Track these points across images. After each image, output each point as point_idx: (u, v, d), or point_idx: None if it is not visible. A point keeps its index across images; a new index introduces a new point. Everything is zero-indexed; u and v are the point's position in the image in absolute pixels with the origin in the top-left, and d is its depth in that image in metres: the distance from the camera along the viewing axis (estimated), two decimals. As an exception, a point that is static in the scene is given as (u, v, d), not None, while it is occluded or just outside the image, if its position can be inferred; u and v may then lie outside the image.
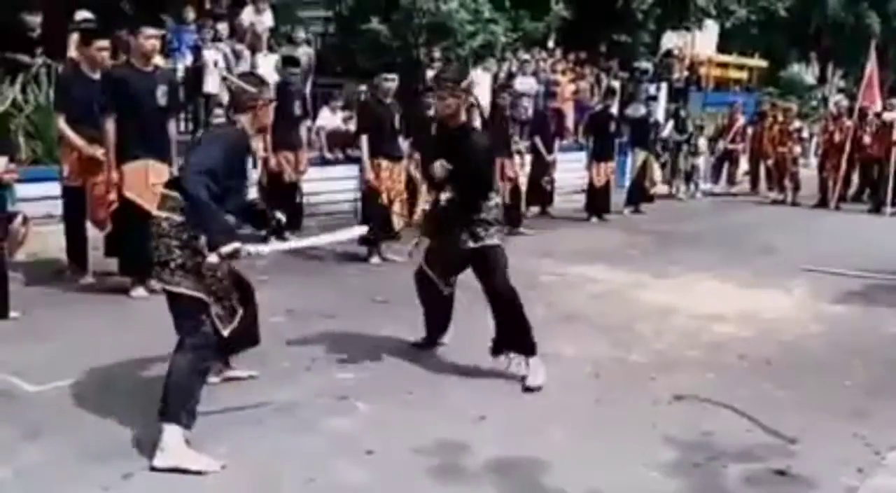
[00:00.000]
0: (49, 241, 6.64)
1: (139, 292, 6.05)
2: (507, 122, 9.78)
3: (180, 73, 10.03)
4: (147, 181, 5.81)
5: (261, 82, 3.81)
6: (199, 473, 3.38)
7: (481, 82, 13.00)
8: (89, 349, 4.83)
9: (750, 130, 15.55)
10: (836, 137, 14.12)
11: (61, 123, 6.18)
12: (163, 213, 3.63)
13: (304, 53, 11.44)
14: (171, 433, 3.47)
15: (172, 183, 3.76)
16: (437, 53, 11.91)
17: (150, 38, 5.89)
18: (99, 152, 5.99)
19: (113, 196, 6.00)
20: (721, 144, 15.30)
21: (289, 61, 8.80)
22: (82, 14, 8.77)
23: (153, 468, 3.41)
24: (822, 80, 30.30)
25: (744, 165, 15.97)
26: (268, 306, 5.65)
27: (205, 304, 3.65)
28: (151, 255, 3.63)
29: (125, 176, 5.86)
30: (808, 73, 30.40)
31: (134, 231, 5.85)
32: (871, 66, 14.20)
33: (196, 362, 3.56)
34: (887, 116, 13.93)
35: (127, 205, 5.89)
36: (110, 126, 5.84)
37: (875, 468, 3.72)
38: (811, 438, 4.04)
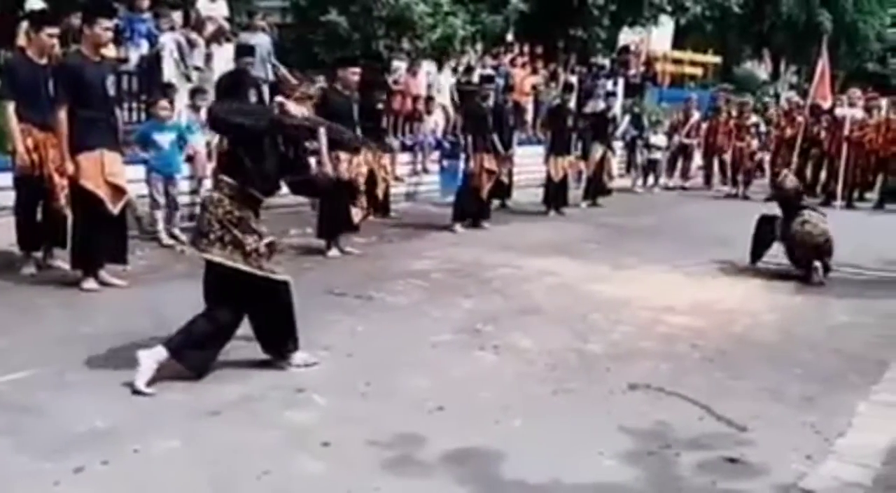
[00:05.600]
0: (0, 234, 6.50)
1: (90, 284, 5.95)
2: (487, 117, 9.80)
3: (134, 62, 9.86)
4: (103, 171, 5.74)
5: (306, 78, 4.34)
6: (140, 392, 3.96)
7: (442, 81, 13.03)
8: (40, 343, 4.75)
9: (704, 126, 15.74)
10: (788, 132, 14.37)
11: (9, 111, 6.02)
12: (215, 194, 4.31)
13: (262, 41, 11.28)
14: (157, 354, 4.08)
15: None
16: (405, 44, 11.88)
17: (107, 29, 5.81)
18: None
19: (64, 182, 5.91)
20: (676, 139, 15.49)
21: (243, 51, 8.64)
22: (33, 2, 8.61)
23: (135, 391, 3.95)
24: (774, 76, 30.84)
25: (698, 159, 16.18)
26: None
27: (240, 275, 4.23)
28: (200, 224, 4.27)
29: (81, 166, 5.76)
30: (760, 70, 30.93)
31: (85, 222, 5.77)
32: (823, 63, 14.29)
33: (216, 333, 4.24)
34: (839, 112, 14.14)
35: (79, 195, 5.80)
36: (63, 116, 5.73)
37: (824, 454, 3.79)
38: (762, 426, 4.11)
